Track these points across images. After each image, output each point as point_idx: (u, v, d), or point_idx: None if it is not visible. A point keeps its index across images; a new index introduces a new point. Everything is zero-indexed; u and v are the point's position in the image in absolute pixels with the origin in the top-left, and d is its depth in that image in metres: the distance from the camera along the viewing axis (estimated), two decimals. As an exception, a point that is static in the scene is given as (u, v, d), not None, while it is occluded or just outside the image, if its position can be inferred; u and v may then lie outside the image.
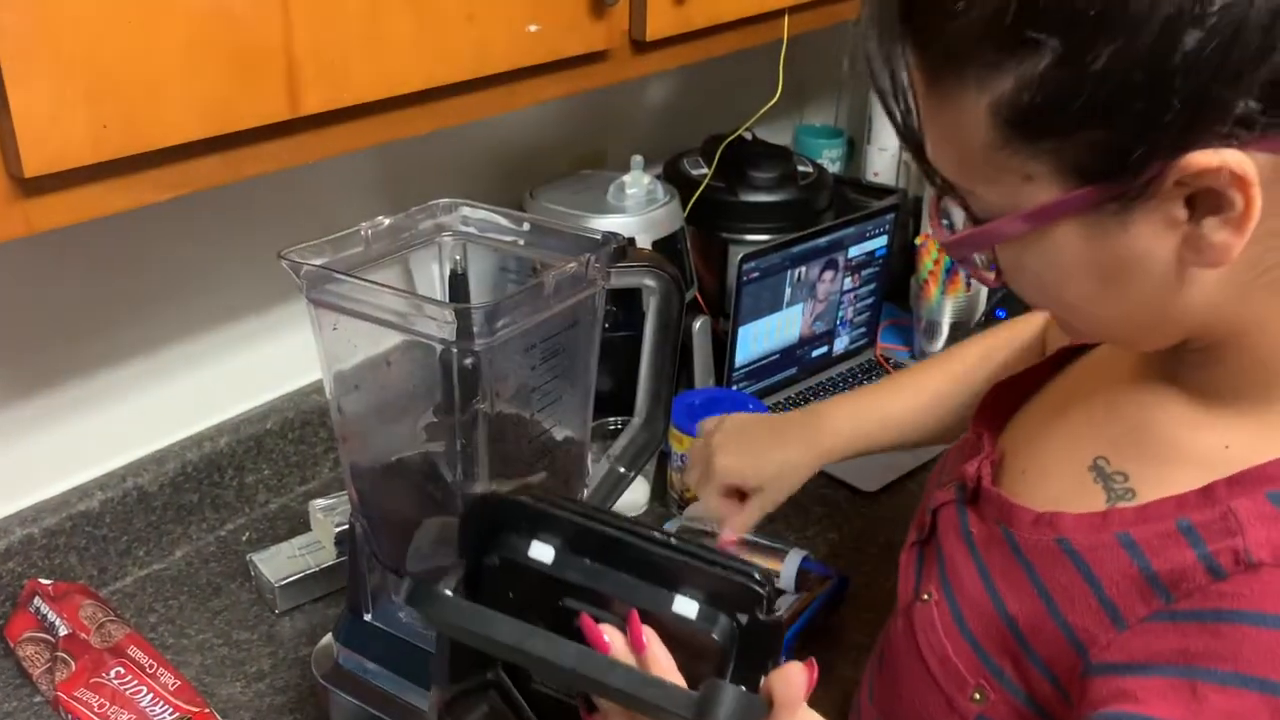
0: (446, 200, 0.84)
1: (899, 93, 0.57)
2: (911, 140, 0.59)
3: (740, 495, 0.93)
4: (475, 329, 0.69)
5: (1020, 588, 0.63)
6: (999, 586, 0.64)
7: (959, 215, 0.62)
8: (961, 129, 0.55)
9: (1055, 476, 0.67)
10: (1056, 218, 0.54)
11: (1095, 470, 0.64)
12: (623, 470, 0.88)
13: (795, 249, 1.40)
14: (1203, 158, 0.49)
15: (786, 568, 1.03)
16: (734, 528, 0.93)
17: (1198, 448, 0.60)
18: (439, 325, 0.70)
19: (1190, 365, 0.62)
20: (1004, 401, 0.76)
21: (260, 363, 1.22)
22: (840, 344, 1.55)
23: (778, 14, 1.19)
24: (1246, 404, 0.59)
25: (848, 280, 1.50)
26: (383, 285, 0.72)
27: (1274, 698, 0.50)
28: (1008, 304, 1.44)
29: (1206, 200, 0.51)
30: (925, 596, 0.70)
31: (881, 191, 1.70)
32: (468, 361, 0.70)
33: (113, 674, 0.95)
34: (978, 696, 0.64)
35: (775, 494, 0.93)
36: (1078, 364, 0.75)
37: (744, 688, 0.54)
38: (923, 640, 0.68)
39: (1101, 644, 0.57)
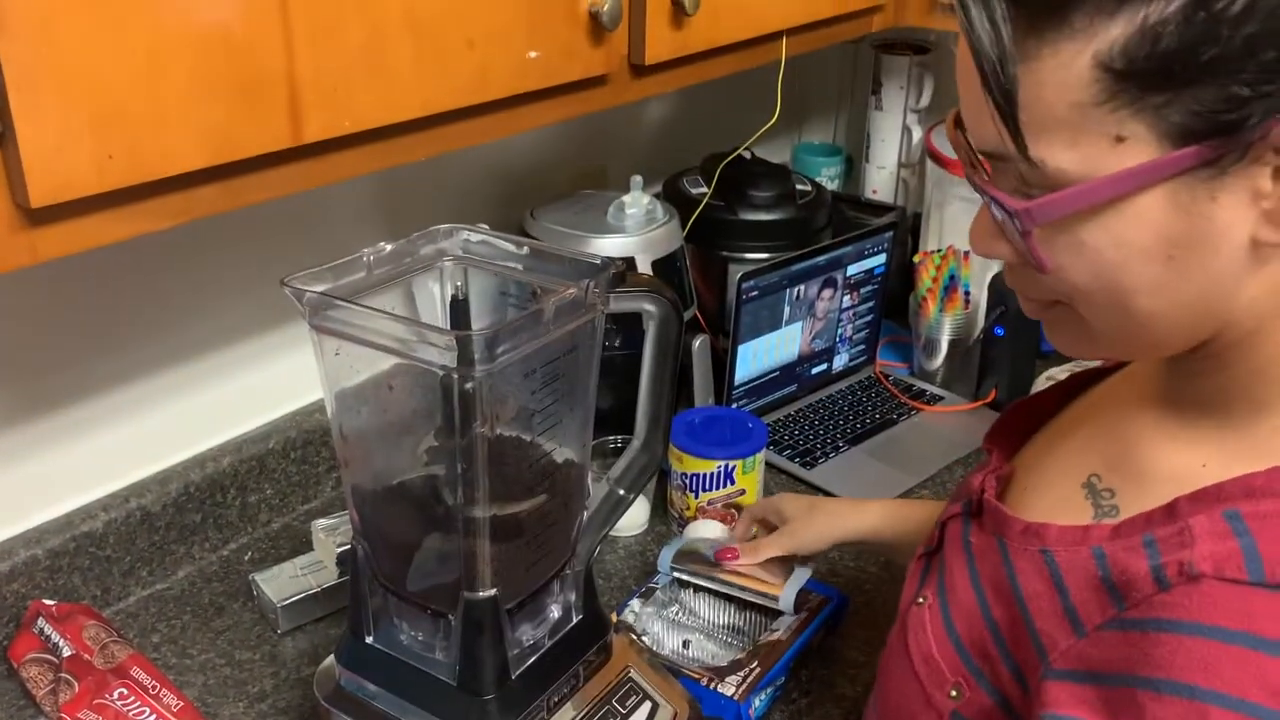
0: (447, 225, 0.85)
1: (997, 37, 0.52)
2: (1004, 90, 0.53)
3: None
4: (475, 355, 0.69)
5: (1004, 593, 0.64)
6: (986, 592, 0.66)
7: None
8: (1051, 83, 0.51)
9: (1052, 492, 0.68)
10: (1151, 182, 0.52)
11: (1087, 487, 0.65)
12: (622, 493, 0.89)
13: (794, 267, 1.41)
14: None
15: (789, 586, 1.04)
16: (745, 548, 1.05)
17: (1178, 466, 0.60)
18: (439, 352, 0.70)
19: (1189, 375, 0.62)
20: (1018, 423, 0.78)
21: (262, 383, 1.23)
22: (839, 361, 1.56)
23: (775, 36, 1.20)
24: (1234, 419, 0.59)
25: (846, 298, 1.51)
26: (384, 312, 0.72)
27: (1202, 704, 0.51)
28: (1005, 322, 1.45)
29: None
30: (921, 600, 0.73)
31: (880, 209, 1.71)
32: (468, 387, 0.71)
33: (116, 695, 0.96)
34: (954, 694, 0.65)
35: (796, 536, 1.05)
36: (1090, 391, 0.76)
37: None
38: (912, 640, 0.70)
39: (1061, 649, 0.58)
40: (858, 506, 1.04)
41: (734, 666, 0.99)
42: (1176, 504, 0.57)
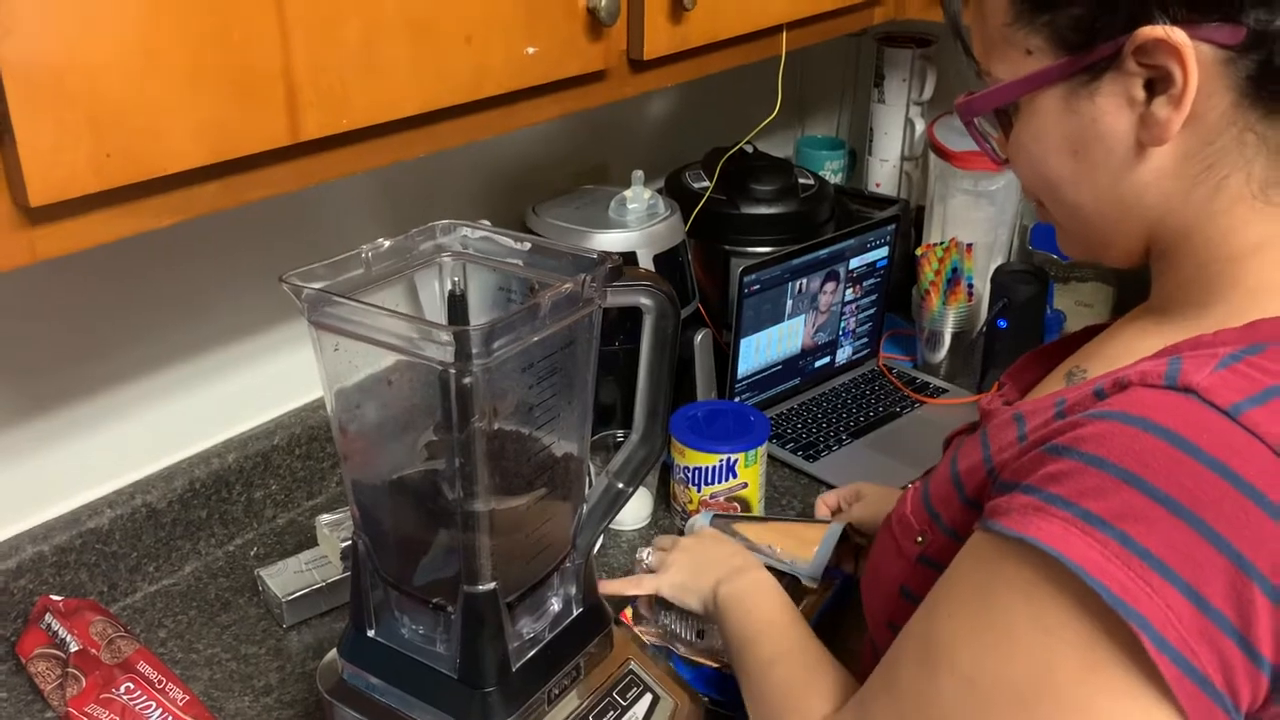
0: (446, 221, 0.85)
1: None
2: (955, 21, 0.73)
3: None
4: (473, 350, 0.70)
5: (971, 451, 0.72)
6: (959, 461, 0.74)
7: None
8: (989, 12, 0.67)
9: (1041, 390, 0.76)
10: (1040, 85, 0.65)
11: (1069, 375, 0.74)
12: (621, 486, 0.89)
13: (797, 261, 1.41)
14: (1151, 30, 0.60)
15: (819, 551, 1.04)
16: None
17: (1142, 349, 0.66)
18: (437, 347, 0.71)
19: (1157, 282, 0.70)
20: (1032, 369, 0.83)
21: (266, 379, 1.24)
22: (842, 355, 1.56)
23: (776, 30, 1.20)
24: (1189, 314, 0.67)
25: (849, 291, 1.51)
26: (382, 308, 0.73)
27: (1081, 464, 0.57)
28: (1009, 315, 1.45)
29: (1159, 84, 0.61)
30: (907, 486, 0.82)
31: (883, 202, 1.71)
32: (466, 381, 0.71)
33: (123, 689, 0.97)
34: (920, 539, 0.74)
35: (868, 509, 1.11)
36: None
37: None
38: (894, 513, 0.79)
39: (1007, 459, 0.65)
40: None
41: None
42: (1137, 363, 0.63)
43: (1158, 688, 0.54)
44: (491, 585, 0.77)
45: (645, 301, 0.82)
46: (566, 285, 0.74)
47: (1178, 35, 0.59)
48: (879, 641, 0.78)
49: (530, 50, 0.91)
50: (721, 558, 0.97)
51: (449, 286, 0.84)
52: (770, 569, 1.00)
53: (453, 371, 0.71)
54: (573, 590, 0.86)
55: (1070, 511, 0.56)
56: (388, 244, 0.81)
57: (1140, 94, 0.62)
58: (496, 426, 0.77)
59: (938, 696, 0.62)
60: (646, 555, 1.05)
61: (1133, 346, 0.68)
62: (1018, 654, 0.58)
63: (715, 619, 0.92)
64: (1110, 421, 0.58)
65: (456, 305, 0.84)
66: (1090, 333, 0.82)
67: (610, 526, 1.02)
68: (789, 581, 1.04)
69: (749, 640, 0.85)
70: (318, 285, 0.74)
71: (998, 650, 0.59)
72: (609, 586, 1.00)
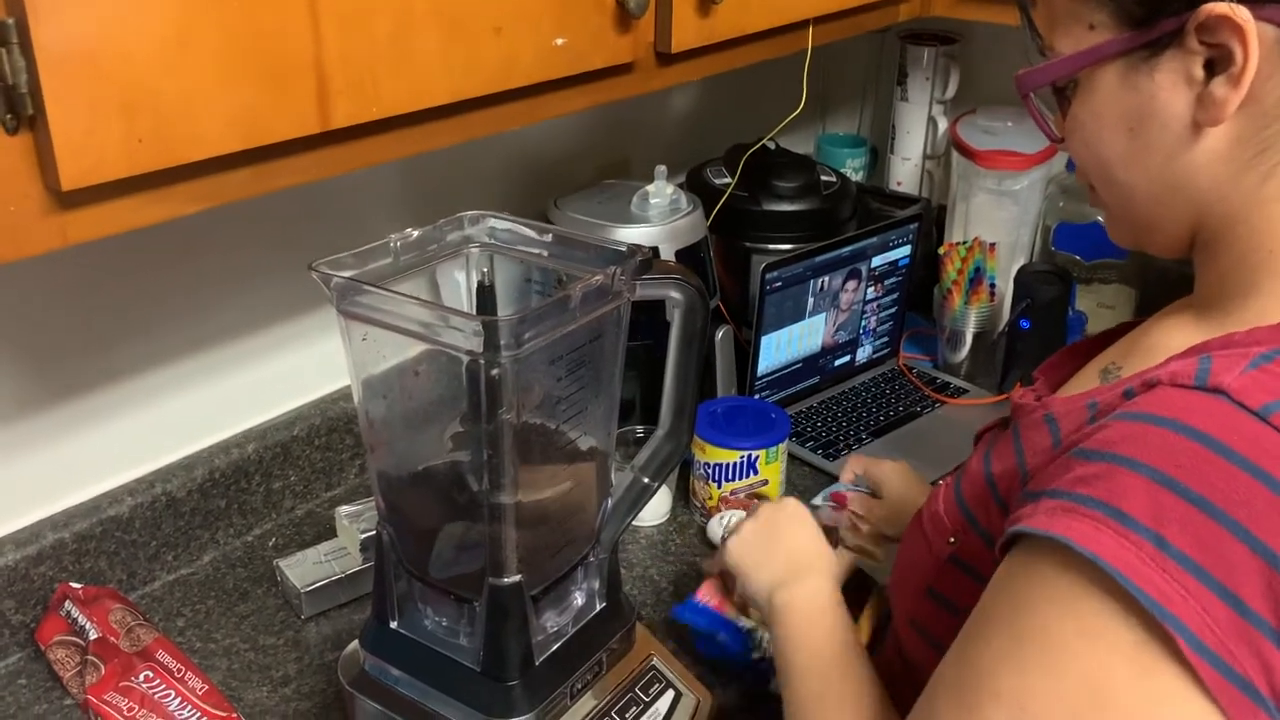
0: (474, 212, 0.85)
1: None
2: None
3: None
4: (502, 341, 0.69)
5: (1005, 453, 0.71)
6: (992, 461, 0.73)
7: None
8: None
9: (1073, 388, 0.75)
10: (1100, 59, 0.64)
11: (1102, 372, 0.73)
12: (646, 480, 0.89)
13: (818, 259, 1.40)
14: (1215, 7, 0.59)
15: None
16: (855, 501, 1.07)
17: (1176, 341, 0.66)
18: (466, 337, 0.70)
19: (1199, 274, 0.70)
20: (1066, 364, 0.82)
21: (287, 370, 1.23)
22: (863, 354, 1.55)
23: (802, 25, 1.19)
24: (1230, 306, 0.66)
25: (870, 290, 1.50)
26: (411, 297, 0.73)
27: (1115, 466, 0.56)
28: (1031, 315, 1.44)
29: (1218, 64, 0.61)
30: (938, 482, 0.81)
31: (905, 201, 1.69)
32: (494, 373, 0.71)
33: (141, 678, 0.96)
34: (953, 540, 0.73)
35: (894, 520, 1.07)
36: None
37: None
38: (925, 510, 0.78)
39: (1041, 464, 0.64)
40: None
41: None
42: (1166, 362, 0.63)
43: (1205, 691, 0.53)
44: (517, 578, 0.77)
45: (675, 295, 0.82)
46: (597, 278, 0.74)
47: (1242, 13, 0.59)
48: (904, 639, 0.77)
49: (559, 41, 0.90)
50: (788, 549, 0.91)
51: (476, 277, 0.84)
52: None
53: (481, 362, 0.71)
54: (596, 585, 0.86)
55: (1103, 512, 0.55)
56: (416, 234, 0.81)
57: (1199, 73, 0.62)
58: (523, 419, 0.76)
59: None
60: (727, 520, 1.05)
61: (1167, 342, 0.68)
62: (1067, 667, 0.56)
63: (766, 621, 0.88)
64: (1140, 423, 0.57)
65: (485, 296, 0.84)
66: (1125, 329, 0.81)
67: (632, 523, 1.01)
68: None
69: (795, 668, 0.81)
70: (347, 274, 0.74)
71: (1044, 666, 0.56)
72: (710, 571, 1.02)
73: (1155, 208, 0.68)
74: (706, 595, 1.01)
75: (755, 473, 1.19)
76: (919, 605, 0.75)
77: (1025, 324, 1.45)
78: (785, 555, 0.91)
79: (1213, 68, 0.61)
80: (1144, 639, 0.54)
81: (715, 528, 1.05)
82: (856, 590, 1.03)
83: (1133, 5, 0.63)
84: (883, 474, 1.08)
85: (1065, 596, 0.56)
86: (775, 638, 0.85)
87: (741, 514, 0.99)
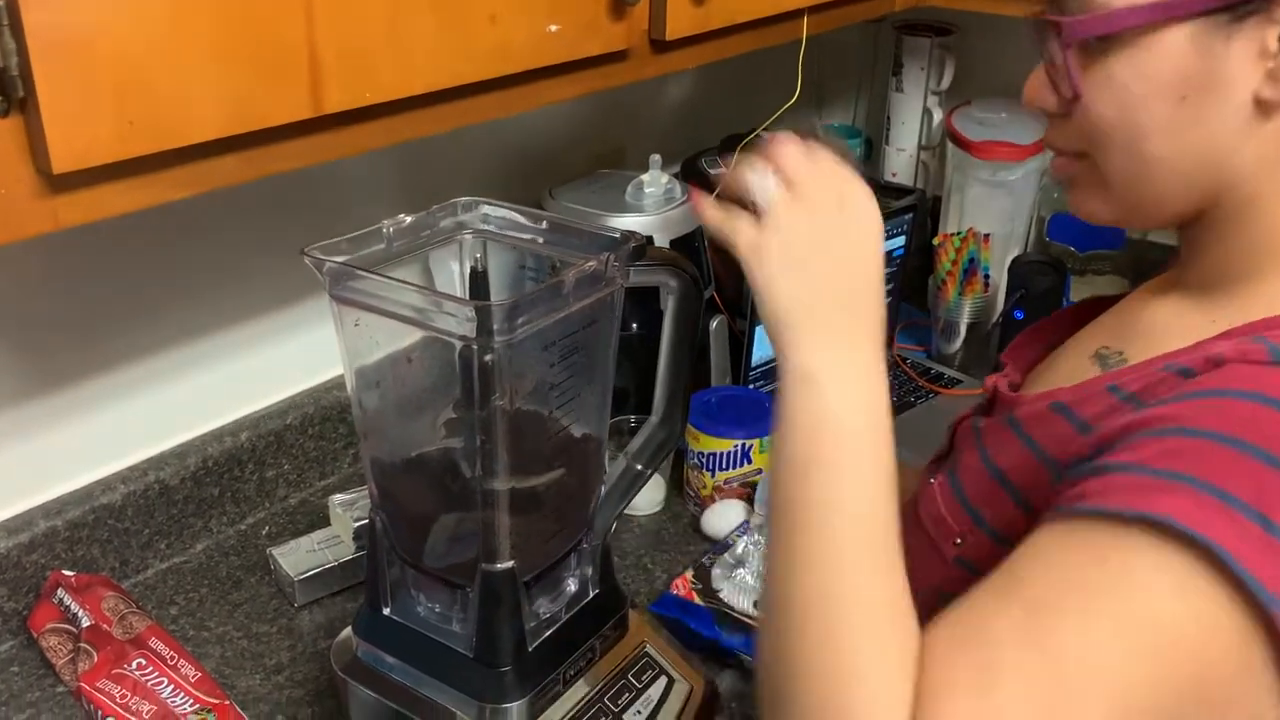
0: (467, 199, 0.85)
1: None
2: None
3: None
4: (495, 326, 0.69)
5: (1010, 446, 0.68)
6: (990, 450, 0.70)
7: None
8: None
9: (1061, 371, 0.72)
10: (1178, 16, 0.58)
11: (1096, 356, 0.69)
12: (640, 468, 0.89)
13: (813, 248, 1.40)
14: None
15: None
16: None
17: (1188, 325, 0.64)
18: (459, 322, 0.70)
19: (1195, 252, 0.66)
20: (1031, 345, 0.81)
21: (281, 358, 1.23)
22: (857, 344, 1.55)
23: (797, 14, 1.19)
24: (1238, 286, 0.63)
25: (865, 280, 1.50)
26: (404, 282, 0.72)
27: (1201, 440, 0.52)
28: (1025, 305, 1.44)
29: None
30: (931, 481, 0.76)
31: (899, 192, 1.69)
32: (487, 358, 0.71)
33: (134, 665, 0.96)
34: (959, 541, 0.69)
35: None
36: (1096, 318, 0.79)
37: None
38: (923, 510, 0.73)
39: (1070, 451, 0.61)
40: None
41: None
42: (1200, 343, 0.60)
43: None
44: (509, 564, 0.77)
45: (669, 282, 0.82)
46: (590, 263, 0.74)
47: None
48: None
49: (553, 28, 0.90)
50: (842, 270, 0.63)
51: (470, 263, 0.84)
52: None
53: (474, 348, 0.71)
54: (589, 572, 0.86)
55: (1202, 489, 0.50)
56: (409, 220, 0.80)
57: (1274, 45, 0.58)
58: (516, 406, 0.76)
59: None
60: (766, 189, 0.65)
61: (1175, 325, 0.65)
62: (1178, 652, 0.50)
63: (781, 377, 0.62)
64: (1222, 398, 0.54)
65: (478, 282, 0.84)
66: (1087, 309, 0.80)
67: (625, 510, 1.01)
68: None
69: (838, 488, 0.57)
70: (339, 259, 0.74)
71: (1143, 650, 0.50)
72: (707, 213, 0.68)
73: (1174, 183, 0.63)
74: (678, 588, 1.03)
75: (749, 462, 1.19)
76: (932, 611, 0.71)
77: (1019, 315, 1.45)
78: (831, 279, 0.62)
79: None
80: (1246, 624, 0.50)
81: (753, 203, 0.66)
82: None
83: None
84: None
85: (1169, 576, 0.50)
86: (788, 417, 0.60)
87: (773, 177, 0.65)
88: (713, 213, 0.67)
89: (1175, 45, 0.59)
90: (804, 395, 0.59)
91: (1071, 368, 0.72)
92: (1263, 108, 0.59)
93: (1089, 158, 0.65)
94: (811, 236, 0.63)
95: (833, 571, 0.55)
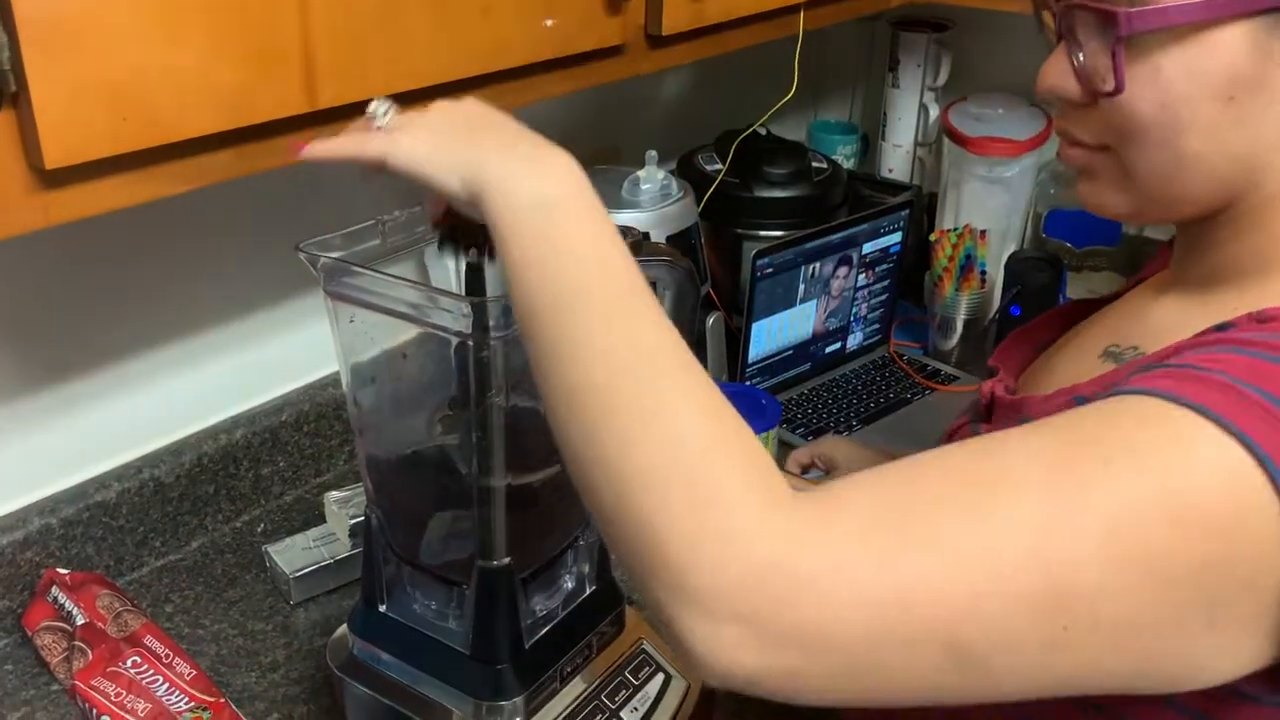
0: (462, 194, 0.84)
1: None
2: None
3: None
4: (491, 322, 0.69)
5: None
6: None
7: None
8: None
9: (1069, 371, 0.70)
10: (1241, 12, 0.56)
11: (1106, 354, 0.68)
12: (636, 464, 0.88)
13: (809, 245, 1.40)
14: None
15: None
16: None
17: (1200, 318, 0.61)
18: (455, 318, 0.70)
19: (1202, 250, 0.65)
20: (1020, 349, 0.80)
21: (275, 356, 1.23)
22: (854, 340, 1.55)
23: (793, 9, 1.19)
24: (1247, 281, 0.62)
25: (861, 277, 1.50)
26: (400, 278, 0.72)
27: (1242, 390, 0.50)
28: (1022, 301, 1.44)
29: None
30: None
31: (896, 188, 1.69)
32: (483, 354, 0.70)
33: (129, 663, 0.96)
34: None
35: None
36: (1092, 316, 0.77)
37: None
38: None
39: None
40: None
41: None
42: (1223, 324, 0.58)
43: None
44: (506, 561, 0.77)
45: (664, 277, 0.81)
46: (586, 258, 0.73)
47: None
48: None
49: (548, 23, 0.90)
50: (505, 124, 0.64)
51: (465, 259, 0.83)
52: None
53: (470, 344, 0.70)
54: (586, 568, 0.85)
55: (1246, 388, 0.50)
56: (404, 215, 0.80)
57: None
58: (513, 402, 0.76)
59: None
60: (382, 109, 0.66)
61: (1182, 321, 0.63)
62: (1201, 517, 0.48)
63: (486, 214, 0.57)
64: (1252, 348, 0.53)
65: (474, 277, 0.83)
66: (1075, 310, 0.79)
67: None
68: None
69: (579, 308, 0.53)
70: (334, 255, 0.74)
71: (1171, 507, 0.48)
72: (315, 148, 0.66)
73: (1205, 180, 0.61)
74: None
75: (746, 458, 1.19)
76: None
77: (1016, 311, 1.45)
78: (498, 129, 0.63)
79: None
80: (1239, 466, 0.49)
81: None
82: None
83: None
84: (828, 449, 1.07)
85: (1197, 451, 0.49)
86: (515, 239, 0.56)
87: (389, 106, 0.66)
88: (322, 148, 0.65)
89: (1232, 43, 0.57)
90: (519, 215, 0.56)
91: (1080, 367, 0.70)
92: None
93: (1111, 150, 0.63)
94: (440, 119, 0.62)
95: (649, 402, 0.50)
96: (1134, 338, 0.68)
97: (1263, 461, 0.48)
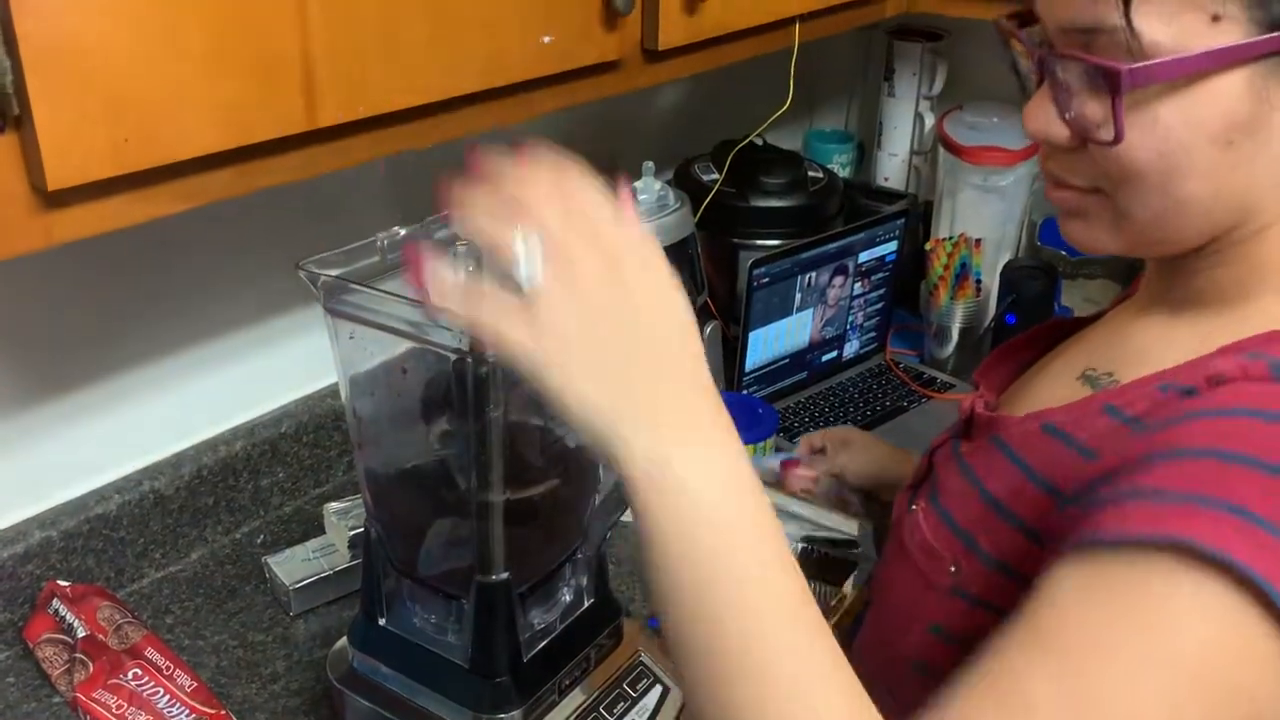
0: (461, 210, 0.85)
1: None
2: None
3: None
4: (489, 339, 0.69)
5: (1002, 470, 0.66)
6: (980, 475, 0.68)
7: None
8: None
9: (1046, 392, 0.70)
10: (1236, 62, 0.55)
11: (1084, 378, 0.68)
12: (634, 477, 0.89)
13: (805, 254, 1.41)
14: None
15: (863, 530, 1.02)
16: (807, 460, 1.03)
17: (1178, 343, 0.63)
18: (453, 336, 0.70)
19: (1185, 275, 0.65)
20: (1003, 365, 0.80)
21: (274, 367, 1.23)
22: (850, 349, 1.56)
23: (789, 21, 1.19)
24: (1228, 306, 0.63)
25: (858, 285, 1.51)
26: (398, 296, 0.73)
27: (1223, 463, 0.51)
28: (1017, 310, 1.44)
29: None
30: (913, 508, 0.74)
31: (892, 196, 1.70)
32: (481, 371, 0.71)
33: (130, 675, 0.96)
34: (953, 569, 0.67)
35: (855, 457, 1.03)
36: (1074, 335, 0.78)
37: None
38: (908, 539, 0.72)
39: (1075, 479, 0.59)
40: (907, 456, 1.02)
41: None
42: (1194, 361, 0.59)
43: None
44: (504, 575, 0.77)
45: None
46: (583, 275, 0.74)
47: None
48: (901, 691, 0.62)
49: (546, 39, 0.90)
50: (668, 351, 0.53)
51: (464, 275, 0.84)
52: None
53: (469, 360, 0.71)
54: (584, 581, 0.86)
55: (1218, 508, 0.50)
56: (403, 232, 0.81)
57: None
58: (510, 417, 0.76)
59: None
60: (525, 251, 0.52)
61: (1165, 345, 0.64)
62: (1219, 680, 0.49)
63: (617, 470, 0.51)
64: (1236, 417, 0.53)
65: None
66: (1058, 328, 0.79)
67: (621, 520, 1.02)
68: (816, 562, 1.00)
69: (729, 577, 0.50)
70: (334, 272, 0.74)
71: (1195, 687, 0.49)
72: (450, 299, 0.53)
73: (1200, 221, 0.61)
74: None
75: (743, 468, 1.19)
76: (923, 646, 0.68)
77: (1011, 319, 1.46)
78: (660, 364, 0.52)
79: None
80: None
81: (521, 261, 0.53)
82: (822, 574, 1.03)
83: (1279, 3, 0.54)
84: (840, 433, 1.08)
85: (1214, 612, 0.49)
86: (656, 518, 0.51)
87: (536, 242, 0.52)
88: (458, 303, 0.52)
89: (1230, 89, 0.56)
90: (664, 500, 0.50)
91: (1056, 389, 0.70)
92: None
93: (1104, 193, 0.62)
94: (594, 318, 0.51)
95: (772, 681, 0.49)
96: (1112, 362, 0.68)
97: (1250, 578, 0.48)
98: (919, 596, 0.69)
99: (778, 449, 1.18)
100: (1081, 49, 0.59)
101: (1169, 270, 0.67)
